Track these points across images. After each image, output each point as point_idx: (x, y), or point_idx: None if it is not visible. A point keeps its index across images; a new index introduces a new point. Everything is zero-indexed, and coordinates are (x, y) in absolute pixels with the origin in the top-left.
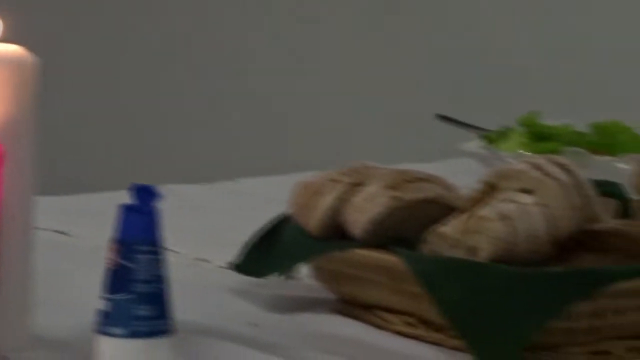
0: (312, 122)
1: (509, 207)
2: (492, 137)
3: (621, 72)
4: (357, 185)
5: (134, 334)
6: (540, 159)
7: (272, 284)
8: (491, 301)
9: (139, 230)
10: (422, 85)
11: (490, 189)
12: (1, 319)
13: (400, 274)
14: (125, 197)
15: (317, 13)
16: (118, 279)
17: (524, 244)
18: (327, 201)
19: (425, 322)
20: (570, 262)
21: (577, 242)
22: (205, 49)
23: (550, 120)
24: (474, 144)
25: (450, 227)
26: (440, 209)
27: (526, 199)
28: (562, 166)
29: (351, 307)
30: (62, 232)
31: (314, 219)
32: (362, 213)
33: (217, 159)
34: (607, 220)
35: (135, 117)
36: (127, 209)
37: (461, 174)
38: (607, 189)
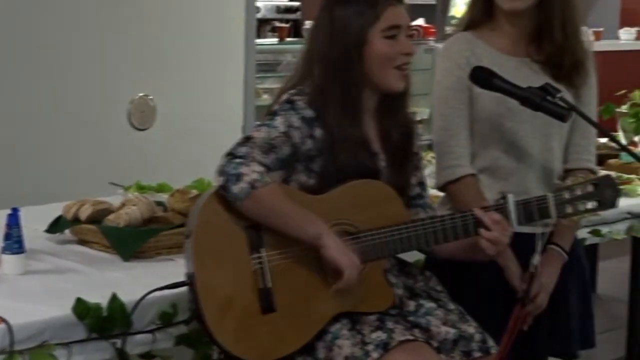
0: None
1: (129, 209)
2: (126, 188)
3: None
4: (83, 205)
5: (13, 253)
6: (137, 195)
7: (58, 235)
8: (122, 236)
9: (13, 220)
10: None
11: (123, 204)
12: None
13: (101, 234)
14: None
15: None
16: (8, 236)
17: (134, 221)
18: (72, 209)
19: (106, 246)
20: (152, 225)
21: (150, 221)
22: None
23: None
24: (127, 193)
25: (112, 216)
26: (110, 210)
27: (134, 209)
28: (144, 197)
29: (82, 242)
30: None
31: (69, 214)
32: (84, 213)
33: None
34: (163, 213)
35: None
36: (9, 215)
37: (118, 198)
38: (159, 203)
